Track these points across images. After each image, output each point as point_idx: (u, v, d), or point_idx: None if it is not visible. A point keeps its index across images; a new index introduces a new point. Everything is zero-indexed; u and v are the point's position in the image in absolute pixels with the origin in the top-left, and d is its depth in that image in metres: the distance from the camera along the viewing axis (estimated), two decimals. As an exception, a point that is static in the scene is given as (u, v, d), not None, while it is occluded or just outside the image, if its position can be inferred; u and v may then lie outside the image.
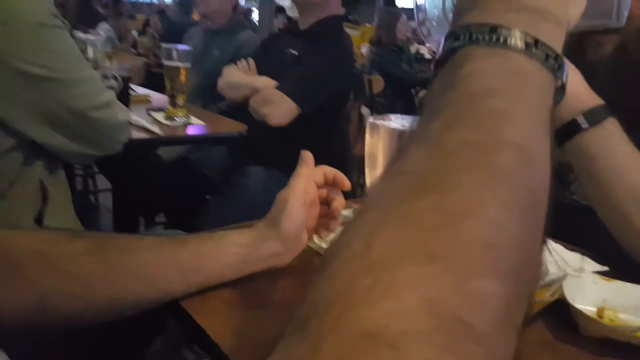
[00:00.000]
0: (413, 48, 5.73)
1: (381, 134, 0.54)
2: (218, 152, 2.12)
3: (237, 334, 0.55)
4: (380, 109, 3.95)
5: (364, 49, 4.94)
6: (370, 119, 0.56)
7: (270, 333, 0.56)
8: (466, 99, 0.28)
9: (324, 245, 0.73)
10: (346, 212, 0.86)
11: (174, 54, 1.63)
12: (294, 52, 1.98)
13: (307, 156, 0.68)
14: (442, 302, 0.21)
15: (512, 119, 0.28)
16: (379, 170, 0.56)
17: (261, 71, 2.01)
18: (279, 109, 1.82)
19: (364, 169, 2.69)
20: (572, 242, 0.77)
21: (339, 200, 0.69)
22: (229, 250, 0.61)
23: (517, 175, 0.26)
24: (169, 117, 1.70)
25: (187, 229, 1.88)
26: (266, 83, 1.91)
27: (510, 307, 0.23)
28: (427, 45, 6.29)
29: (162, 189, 2.06)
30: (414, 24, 6.35)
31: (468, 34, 0.31)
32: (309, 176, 0.67)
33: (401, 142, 0.52)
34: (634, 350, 0.53)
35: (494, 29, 0.30)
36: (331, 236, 0.70)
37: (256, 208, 1.97)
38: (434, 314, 0.20)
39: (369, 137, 0.56)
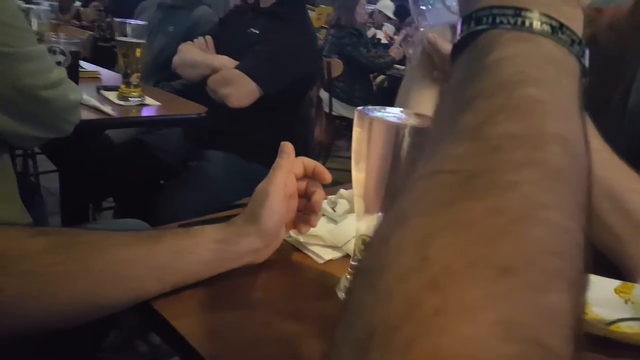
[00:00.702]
0: (370, 32, 5.73)
1: (375, 127, 0.51)
2: (173, 135, 2.03)
3: (217, 337, 0.50)
4: (339, 93, 3.92)
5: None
6: (360, 109, 0.52)
7: (252, 334, 0.52)
8: (501, 87, 0.26)
9: (301, 239, 0.69)
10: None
11: (128, 29, 1.53)
12: (255, 30, 1.90)
13: (288, 147, 0.64)
14: (520, 324, 0.18)
15: (553, 110, 0.25)
16: (370, 166, 0.52)
17: (220, 50, 1.93)
18: (240, 90, 1.76)
19: (327, 154, 2.68)
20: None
21: (319, 194, 0.65)
22: (207, 247, 0.56)
23: (570, 172, 0.24)
24: (123, 97, 1.60)
25: (139, 215, 1.80)
26: (226, 62, 1.83)
27: (577, 321, 0.21)
28: (383, 30, 6.31)
29: (113, 173, 1.95)
30: (370, 7, 6.33)
31: (491, 17, 0.28)
32: (289, 168, 0.63)
33: (419, 137, 0.49)
34: (611, 345, 0.53)
35: (518, 12, 0.28)
36: (311, 230, 0.66)
37: (215, 194, 1.92)
38: (513, 338, 0.18)
39: (359, 130, 0.52)
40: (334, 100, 3.85)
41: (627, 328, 0.57)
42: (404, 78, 0.90)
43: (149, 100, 1.65)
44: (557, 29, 0.28)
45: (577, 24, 0.29)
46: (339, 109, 3.94)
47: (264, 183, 0.61)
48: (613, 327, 0.56)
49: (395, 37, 5.32)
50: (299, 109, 1.98)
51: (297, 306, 0.57)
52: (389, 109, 0.54)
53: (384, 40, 5.28)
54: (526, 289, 0.19)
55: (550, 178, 0.23)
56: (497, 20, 0.28)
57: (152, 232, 0.57)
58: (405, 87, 0.88)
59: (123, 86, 1.62)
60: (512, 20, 0.28)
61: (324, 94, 3.84)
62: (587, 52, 0.31)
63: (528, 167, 0.23)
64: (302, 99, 2.00)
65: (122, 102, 1.58)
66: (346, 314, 0.21)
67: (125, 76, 1.61)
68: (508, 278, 0.19)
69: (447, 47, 0.74)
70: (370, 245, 0.24)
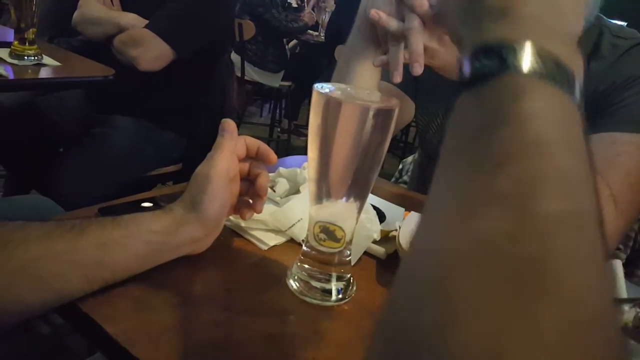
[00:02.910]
0: (281, -6, 5.57)
1: (345, 111, 0.47)
2: (72, 97, 1.85)
3: (158, 343, 0.45)
4: (252, 57, 3.79)
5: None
6: (319, 89, 0.48)
7: (199, 337, 0.47)
8: (536, 152, 0.23)
9: (242, 224, 0.64)
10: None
11: (21, -23, 1.34)
12: (165, -13, 1.76)
13: (229, 125, 0.58)
14: None
15: (586, 181, 0.24)
16: (336, 152, 0.49)
17: (126, 7, 1.77)
18: (150, 52, 1.63)
19: (239, 121, 2.58)
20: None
21: (263, 177, 0.60)
22: (141, 239, 0.50)
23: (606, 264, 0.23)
24: (17, 55, 1.41)
25: (34, 185, 1.63)
26: (134, 21, 1.68)
27: None
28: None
29: (3, 139, 1.75)
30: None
31: (512, 53, 0.26)
32: (232, 149, 0.57)
33: (385, 119, 0.46)
34: None
35: (541, 56, 0.26)
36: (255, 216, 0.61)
37: (123, 164, 1.79)
38: None
39: (322, 112, 0.48)
40: (246, 64, 3.72)
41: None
42: (345, 46, 0.86)
43: (47, 59, 1.47)
44: (573, 84, 0.26)
45: (580, 73, 0.27)
46: (252, 73, 3.82)
47: (204, 166, 0.56)
48: None
49: (306, 1, 5.23)
50: (213, 73, 1.88)
51: (245, 301, 0.53)
52: (341, 85, 0.51)
53: (294, 5, 5.16)
54: None
55: (602, 272, 0.22)
56: (516, 63, 0.26)
57: (75, 222, 0.49)
58: (346, 56, 0.84)
59: (16, 42, 1.42)
60: (537, 67, 0.25)
61: (235, 57, 3.69)
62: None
63: (583, 259, 0.21)
64: (217, 62, 1.89)
65: (15, 61, 1.40)
66: None
67: (19, 31, 1.41)
68: None
69: (392, 23, 0.71)
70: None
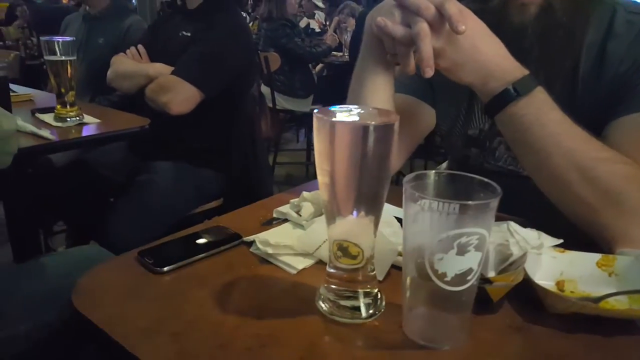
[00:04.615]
0: (303, 22, 5.71)
1: (338, 130, 0.50)
2: (115, 150, 1.97)
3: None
4: (280, 86, 3.89)
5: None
6: (317, 113, 0.52)
7: None
8: None
9: (270, 251, 0.68)
10: (284, 209, 0.82)
11: (57, 47, 1.46)
12: (187, 33, 1.86)
13: None
14: None
15: None
16: (337, 171, 0.52)
17: (153, 57, 1.88)
18: (179, 95, 1.72)
19: (276, 149, 2.64)
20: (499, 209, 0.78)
21: None
22: None
23: None
24: (60, 118, 1.53)
25: (93, 236, 1.73)
26: (161, 69, 1.79)
27: None
28: (315, 18, 6.29)
29: (58, 197, 1.88)
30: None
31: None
32: None
33: (384, 134, 0.49)
34: (602, 324, 0.54)
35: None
36: (280, 240, 0.65)
37: (166, 205, 1.87)
38: None
39: (320, 135, 0.51)
40: (276, 94, 3.82)
41: (616, 303, 0.58)
42: (356, 66, 0.88)
43: (87, 118, 1.58)
44: None
45: None
46: (282, 102, 3.91)
47: None
48: (602, 304, 0.58)
49: (328, 24, 5.32)
50: (240, 108, 1.96)
51: (277, 326, 0.55)
52: (342, 107, 0.54)
53: (317, 29, 5.27)
54: None
55: None
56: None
57: None
58: (358, 75, 0.86)
59: (59, 106, 1.55)
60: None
61: (265, 89, 3.80)
62: None
63: None
64: (243, 97, 1.97)
65: (59, 124, 1.51)
66: None
67: (60, 96, 1.53)
68: None
69: (398, 30, 0.72)
70: None
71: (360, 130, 0.50)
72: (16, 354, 0.88)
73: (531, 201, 0.76)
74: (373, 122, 0.50)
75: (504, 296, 0.58)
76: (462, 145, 1.04)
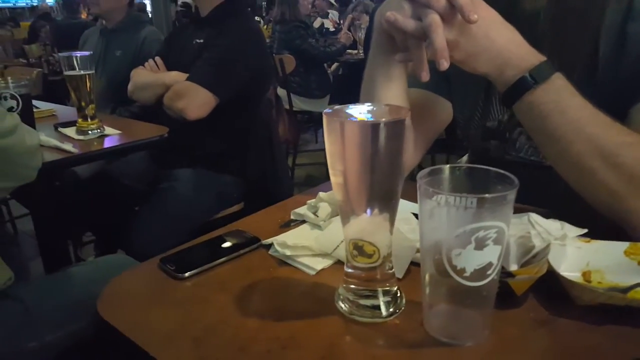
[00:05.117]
0: (316, 22, 5.71)
1: (348, 130, 0.50)
2: (137, 159, 2.00)
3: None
4: (296, 88, 3.90)
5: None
6: (327, 113, 0.52)
7: None
8: None
9: (288, 252, 0.69)
10: (301, 210, 0.82)
11: (75, 62, 1.49)
12: (200, 40, 1.89)
13: None
14: None
15: None
16: (349, 170, 0.52)
17: (170, 68, 1.91)
18: (195, 101, 1.74)
19: (295, 151, 2.64)
20: (518, 200, 0.76)
21: None
22: None
23: None
24: (81, 131, 1.56)
25: (120, 245, 1.76)
26: (176, 77, 1.81)
27: None
28: (329, 18, 6.29)
29: (84, 208, 1.92)
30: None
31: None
32: None
33: (394, 130, 0.48)
34: (632, 315, 0.53)
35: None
36: (298, 241, 0.65)
37: (188, 212, 1.89)
38: None
39: (331, 134, 0.51)
40: (292, 95, 3.83)
41: None
42: (367, 64, 0.86)
43: (108, 130, 1.61)
44: None
45: None
46: (299, 103, 3.92)
47: None
48: (632, 294, 0.56)
49: (342, 22, 5.32)
50: (256, 113, 1.97)
51: (297, 328, 0.55)
52: (352, 105, 0.54)
53: (331, 29, 5.27)
54: None
55: None
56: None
57: None
58: (370, 73, 0.86)
59: (80, 120, 1.58)
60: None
61: (281, 92, 3.81)
62: None
63: None
64: (258, 101, 1.98)
65: (81, 137, 1.55)
66: None
67: (80, 110, 1.57)
68: None
69: (409, 23, 0.70)
70: None
71: (370, 128, 0.50)
72: (48, 363, 0.90)
73: (556, 191, 0.74)
74: (383, 119, 0.50)
75: (528, 289, 0.57)
76: (481, 138, 1.03)
